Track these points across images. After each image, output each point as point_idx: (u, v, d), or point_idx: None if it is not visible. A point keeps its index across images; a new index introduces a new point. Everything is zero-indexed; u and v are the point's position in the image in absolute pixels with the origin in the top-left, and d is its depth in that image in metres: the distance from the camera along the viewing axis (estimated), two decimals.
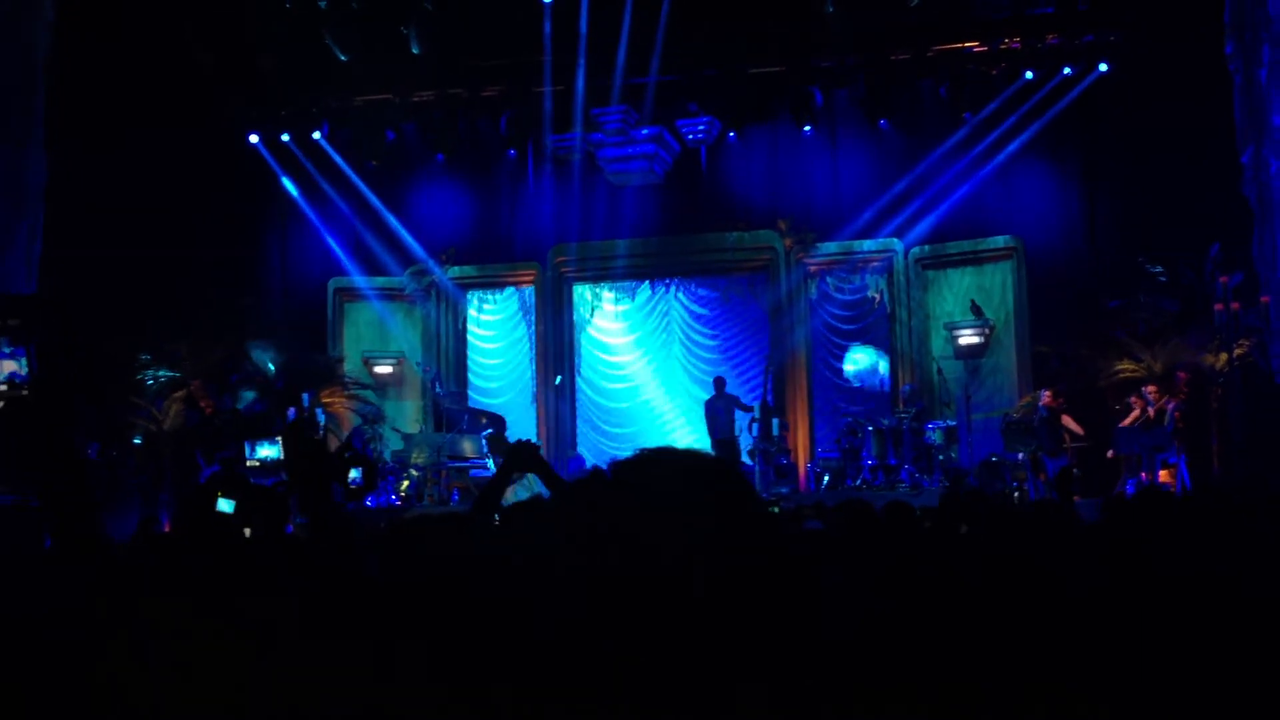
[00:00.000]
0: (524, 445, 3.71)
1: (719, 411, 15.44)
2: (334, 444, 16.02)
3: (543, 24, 16.05)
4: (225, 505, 2.61)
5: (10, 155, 12.00)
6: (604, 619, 1.07)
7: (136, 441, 15.23)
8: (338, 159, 17.35)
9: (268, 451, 8.19)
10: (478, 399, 17.05)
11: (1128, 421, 13.71)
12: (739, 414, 15.16)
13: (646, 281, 17.22)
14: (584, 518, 1.11)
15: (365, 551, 2.12)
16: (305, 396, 14.87)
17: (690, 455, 1.20)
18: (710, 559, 1.07)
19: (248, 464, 8.62)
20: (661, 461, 1.16)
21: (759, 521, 1.13)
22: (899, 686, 1.79)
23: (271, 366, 16.01)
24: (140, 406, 15.33)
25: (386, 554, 2.26)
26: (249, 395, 15.49)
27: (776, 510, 8.00)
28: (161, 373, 15.59)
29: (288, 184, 17.44)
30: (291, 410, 14.71)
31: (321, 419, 14.97)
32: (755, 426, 14.57)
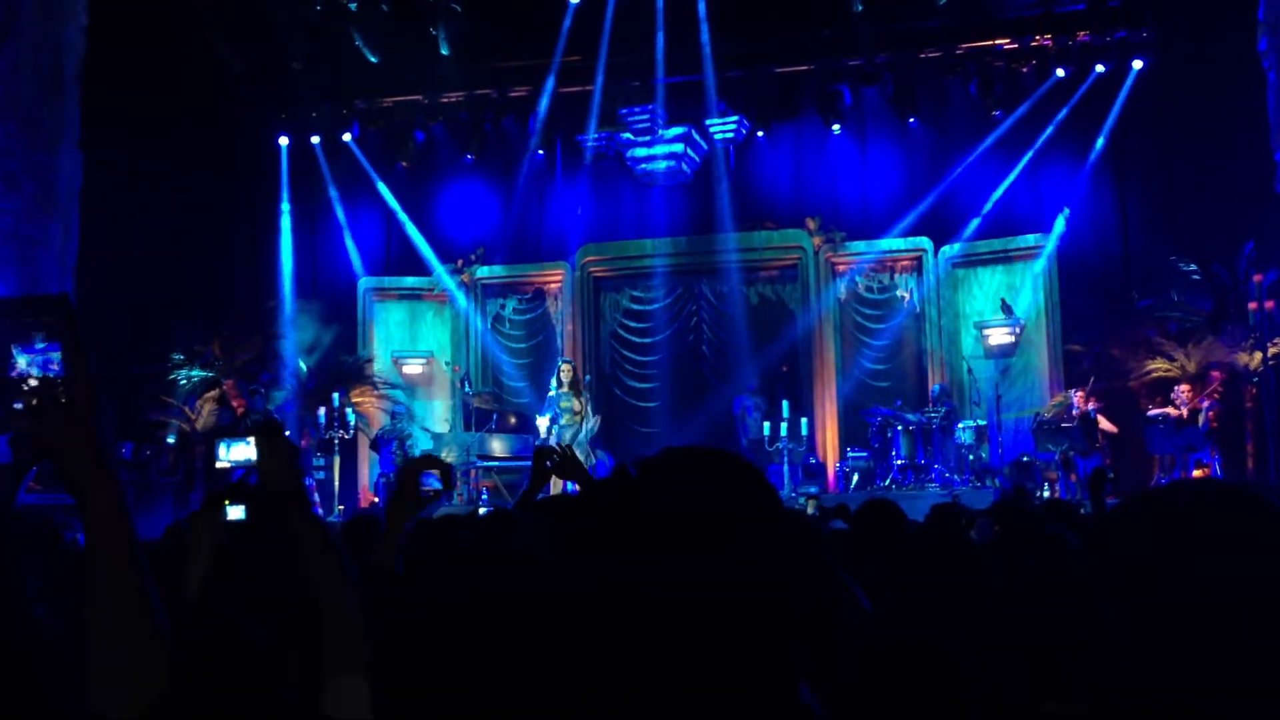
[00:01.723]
0: (566, 455, 3.72)
1: (750, 411, 15.42)
2: (364, 443, 16.16)
3: (571, 25, 16.08)
4: (236, 512, 2.53)
5: (45, 156, 12.13)
6: (624, 619, 1.07)
7: (170, 441, 15.39)
8: (364, 162, 17.42)
9: (241, 452, 7.73)
10: (507, 399, 17.09)
11: (1156, 410, 13.63)
12: (768, 414, 15.12)
13: (674, 281, 17.20)
14: (607, 515, 1.11)
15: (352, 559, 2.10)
16: (335, 396, 14.96)
17: (716, 453, 1.20)
18: (736, 554, 1.07)
19: (217, 466, 8.28)
20: (687, 459, 1.15)
21: (785, 519, 1.13)
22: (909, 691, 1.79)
23: (304, 366, 16.13)
24: (172, 406, 15.48)
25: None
26: (280, 395, 15.61)
27: (811, 511, 7.97)
28: (194, 372, 15.74)
29: (318, 185, 17.54)
30: (322, 411, 14.82)
31: (352, 419, 15.06)
32: (784, 426, 14.54)
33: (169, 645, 1.51)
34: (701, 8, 15.71)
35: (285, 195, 17.27)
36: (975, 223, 15.72)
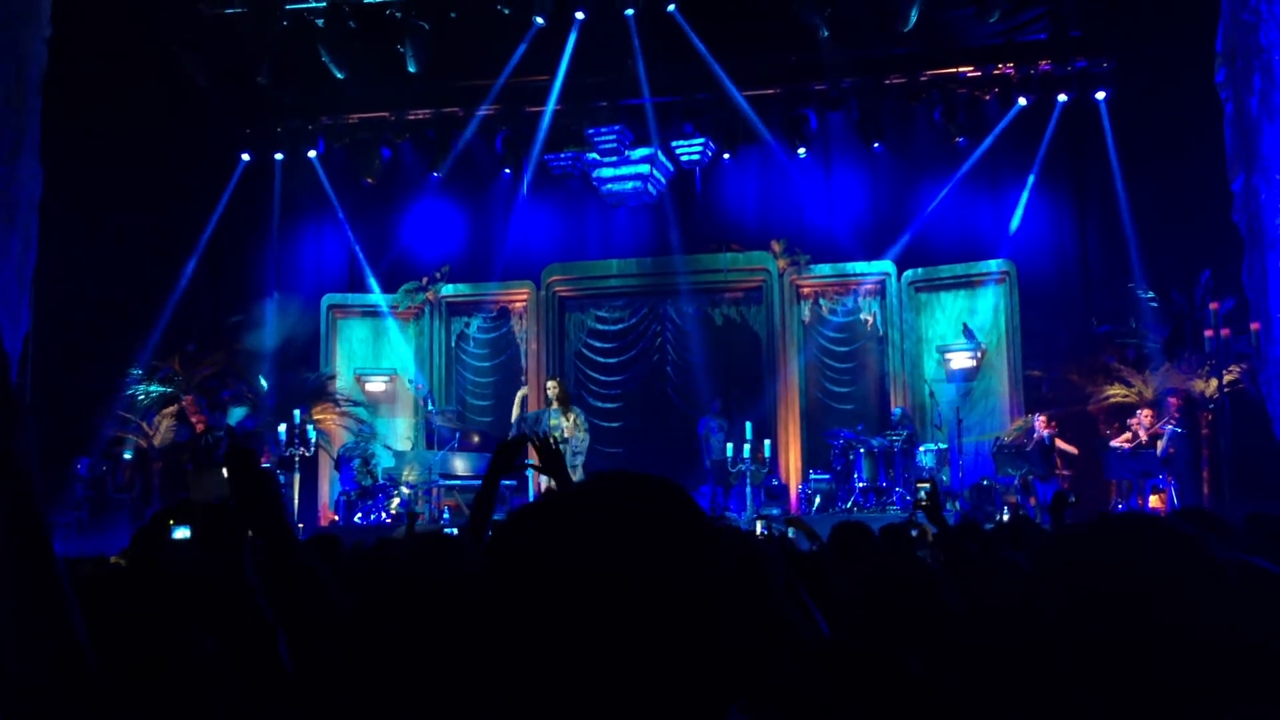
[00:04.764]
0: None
1: (714, 432, 15.43)
2: (325, 460, 16.04)
3: (538, 45, 16.10)
4: (181, 532, 2.49)
5: (5, 167, 11.99)
6: (543, 643, 1.06)
7: (127, 457, 15.21)
8: (324, 180, 17.35)
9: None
10: (470, 417, 17.04)
11: (1118, 441, 13.78)
12: (731, 435, 15.14)
13: (639, 301, 17.22)
14: (527, 541, 1.11)
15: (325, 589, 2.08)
16: (297, 413, 14.85)
17: (639, 477, 1.18)
18: (659, 583, 1.07)
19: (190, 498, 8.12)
20: (611, 483, 1.15)
21: (718, 548, 1.12)
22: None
23: (264, 383, 15.99)
24: (131, 421, 15.31)
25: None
26: (240, 412, 15.47)
27: (760, 531, 7.96)
28: (153, 388, 15.57)
29: (281, 201, 17.45)
30: (283, 428, 14.68)
31: (313, 436, 14.94)
32: (747, 448, 14.57)
33: (89, 662, 1.48)
34: (685, 28, 15.74)
35: (220, 208, 16.99)
36: (923, 244, 15.84)
